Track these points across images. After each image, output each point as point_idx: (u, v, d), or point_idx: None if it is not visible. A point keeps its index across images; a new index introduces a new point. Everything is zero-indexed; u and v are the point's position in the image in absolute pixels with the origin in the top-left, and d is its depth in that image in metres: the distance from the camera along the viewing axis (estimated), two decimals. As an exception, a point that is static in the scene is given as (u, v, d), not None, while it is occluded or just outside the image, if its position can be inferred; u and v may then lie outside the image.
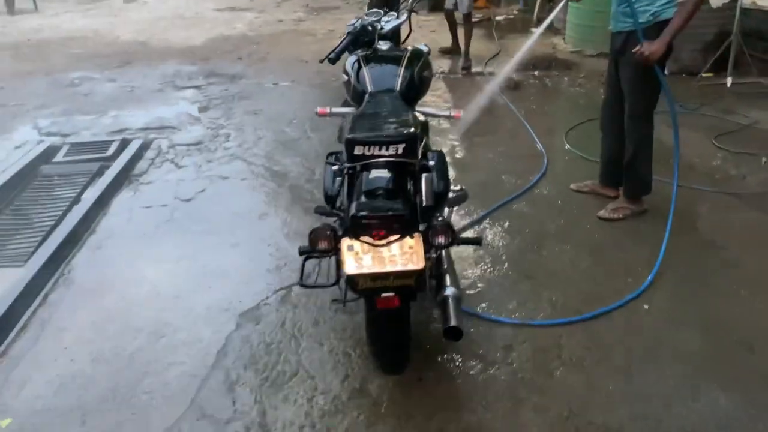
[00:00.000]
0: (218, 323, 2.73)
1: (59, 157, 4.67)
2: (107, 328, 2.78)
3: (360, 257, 1.70)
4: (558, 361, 2.42)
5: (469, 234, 3.34)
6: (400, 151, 1.84)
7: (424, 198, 2.12)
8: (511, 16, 9.47)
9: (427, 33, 8.14)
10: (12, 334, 2.77)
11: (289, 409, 2.25)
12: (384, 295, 1.76)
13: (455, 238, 1.72)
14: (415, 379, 2.33)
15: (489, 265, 3.05)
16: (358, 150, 1.87)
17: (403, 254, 1.71)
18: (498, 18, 9.07)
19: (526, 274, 2.97)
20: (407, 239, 1.68)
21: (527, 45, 5.02)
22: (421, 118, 2.35)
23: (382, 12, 2.93)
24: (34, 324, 2.83)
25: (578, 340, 2.52)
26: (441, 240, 1.68)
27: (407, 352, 2.02)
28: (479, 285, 2.90)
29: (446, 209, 2.66)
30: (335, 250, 1.73)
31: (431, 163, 2.18)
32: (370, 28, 2.76)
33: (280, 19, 9.79)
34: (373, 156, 1.85)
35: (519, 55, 4.85)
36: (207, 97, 5.97)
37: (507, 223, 3.44)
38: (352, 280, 1.76)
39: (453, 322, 1.96)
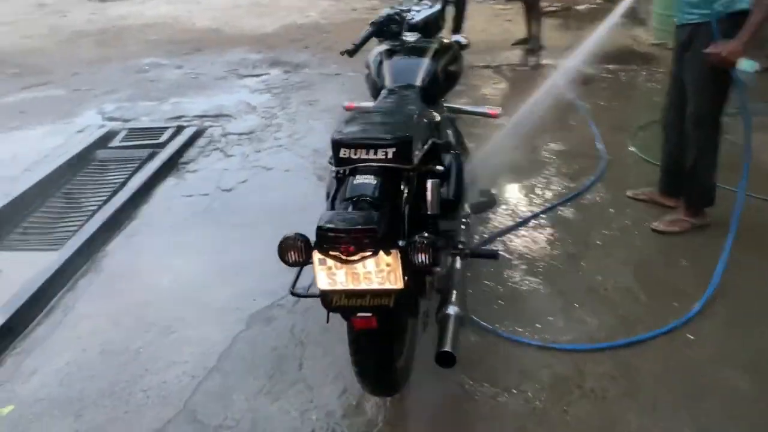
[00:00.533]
0: (229, 322, 2.66)
1: (116, 142, 4.78)
2: (123, 319, 2.77)
3: (333, 272, 1.55)
4: (578, 391, 2.18)
5: (497, 245, 3.09)
6: (389, 156, 1.67)
7: (428, 206, 1.95)
8: (594, 6, 8.92)
9: (501, 22, 7.80)
10: (37, 319, 2.82)
11: (281, 421, 2.14)
12: (360, 314, 1.60)
13: (437, 259, 1.54)
14: (414, 400, 2.16)
15: (519, 277, 2.81)
16: (343, 152, 1.71)
17: (379, 272, 1.54)
18: (579, 8, 8.58)
19: (559, 290, 2.72)
20: (383, 256, 1.51)
21: (597, 35, 4.67)
22: (441, 115, 2.15)
23: (415, 0, 2.73)
24: (58, 310, 2.87)
25: (605, 370, 2.26)
26: (420, 259, 1.50)
27: (393, 375, 1.86)
28: (503, 298, 2.67)
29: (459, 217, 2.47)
30: (306, 263, 1.59)
31: (439, 167, 2.00)
32: (397, 17, 2.58)
33: (354, 8, 9.69)
34: (359, 160, 1.69)
35: (588, 45, 4.51)
36: (267, 86, 5.96)
37: (547, 231, 3.18)
38: (326, 297, 1.61)
39: (447, 347, 1.78)
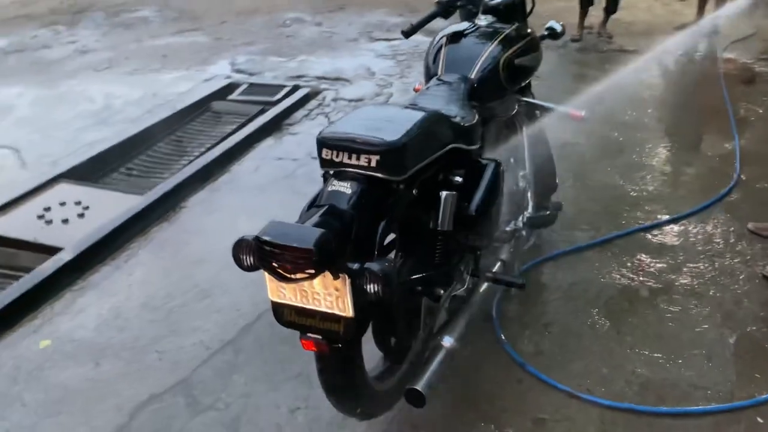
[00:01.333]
0: (263, 296, 2.61)
1: (234, 95, 4.93)
2: (173, 274, 2.84)
3: (282, 285, 1.40)
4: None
5: (550, 269, 2.74)
6: (372, 164, 1.46)
7: (439, 221, 1.72)
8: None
9: (670, 1, 6.93)
10: (106, 260, 2.98)
11: (268, 415, 2.07)
12: (311, 335, 1.45)
13: (390, 291, 1.32)
14: (409, 426, 1.97)
15: (573, 307, 2.47)
16: (325, 153, 1.53)
17: (327, 294, 1.37)
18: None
19: (618, 330, 2.35)
20: (330, 279, 1.33)
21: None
22: (478, 117, 1.88)
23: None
24: (124, 254, 3.02)
25: (635, 437, 1.91)
26: (370, 288, 1.30)
27: (362, 401, 1.67)
28: (548, 329, 2.36)
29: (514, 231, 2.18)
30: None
31: (457, 178, 1.75)
32: (470, -4, 2.29)
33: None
34: (341, 164, 1.50)
35: None
36: (394, 51, 5.81)
37: (626, 258, 2.75)
38: (276, 309, 1.47)
39: (420, 385, 1.57)
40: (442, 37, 2.23)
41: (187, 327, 2.49)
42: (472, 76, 2.05)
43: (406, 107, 1.73)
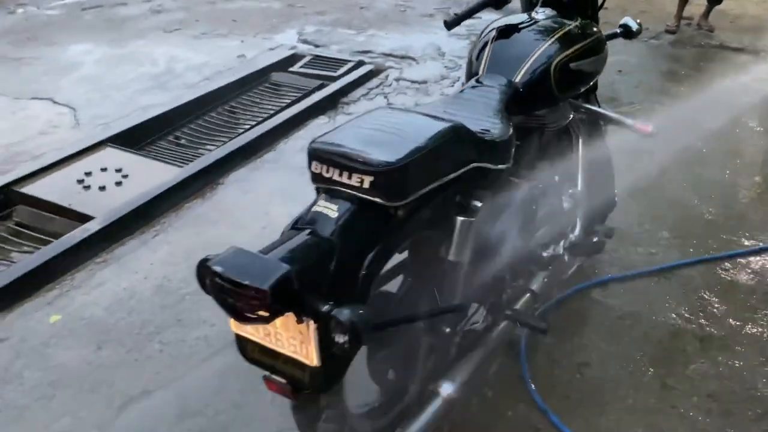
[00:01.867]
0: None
1: (295, 67, 4.76)
2: (195, 256, 2.65)
3: (239, 321, 1.22)
4: None
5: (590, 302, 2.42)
6: (365, 185, 1.24)
7: (452, 251, 1.49)
8: None
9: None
10: (134, 234, 2.91)
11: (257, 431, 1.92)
12: (275, 377, 1.26)
13: (359, 344, 1.11)
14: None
15: (614, 346, 2.18)
16: (315, 166, 1.32)
17: (290, 337, 1.17)
18: None
19: (663, 382, 2.04)
20: (292, 321, 1.13)
21: None
22: (511, 129, 1.61)
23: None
24: (152, 229, 2.94)
25: None
26: (338, 339, 1.09)
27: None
28: (581, 370, 2.08)
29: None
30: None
31: (476, 202, 1.50)
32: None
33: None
34: (330, 180, 1.29)
35: None
36: (469, 31, 5.45)
37: (687, 293, 2.41)
38: (239, 343, 1.29)
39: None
40: (490, 31, 1.95)
41: (195, 318, 2.37)
42: (517, 80, 1.78)
43: (426, 114, 1.48)
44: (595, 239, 2.08)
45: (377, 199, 1.26)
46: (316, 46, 5.19)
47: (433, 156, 1.32)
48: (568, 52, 1.84)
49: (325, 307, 1.11)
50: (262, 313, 1.08)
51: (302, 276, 1.12)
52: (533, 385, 2.01)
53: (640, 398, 1.98)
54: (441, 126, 1.39)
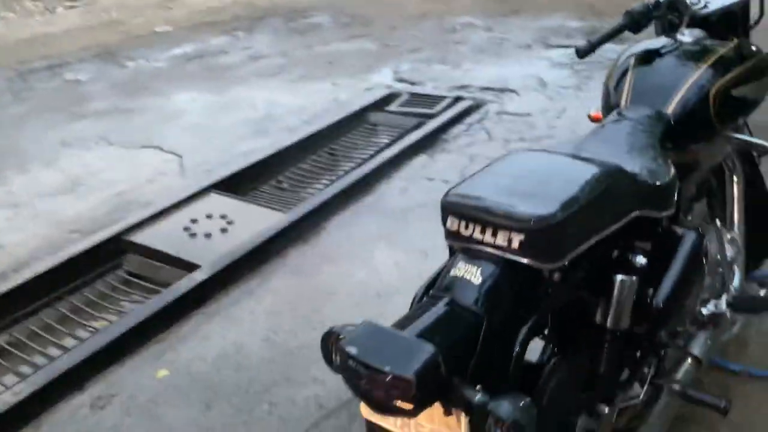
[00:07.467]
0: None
1: (393, 106, 4.68)
2: (301, 306, 2.64)
3: (376, 408, 1.05)
4: None
5: None
6: (514, 244, 1.05)
7: (610, 316, 1.26)
8: None
9: None
10: (238, 283, 2.85)
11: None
12: (412, 470, 1.08)
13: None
14: None
15: None
16: (451, 223, 1.15)
17: (434, 431, 0.99)
18: None
19: None
20: (438, 413, 0.94)
21: None
22: (673, 172, 1.38)
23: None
24: (258, 277, 2.87)
25: None
26: (496, 437, 0.89)
27: None
28: None
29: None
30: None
31: (641, 259, 1.27)
32: (676, 4, 1.74)
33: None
34: (470, 239, 1.10)
35: None
36: (572, 60, 5.19)
37: None
38: (371, 429, 1.11)
39: None
40: (629, 57, 1.73)
41: (305, 375, 2.24)
42: (669, 111, 1.54)
43: (572, 156, 1.28)
44: (763, 290, 1.77)
45: (529, 261, 1.06)
46: (412, 83, 5.10)
47: (593, 206, 1.12)
48: (728, 76, 1.59)
49: (480, 398, 0.92)
50: (405, 405, 0.90)
51: (448, 357, 0.93)
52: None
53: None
54: (596, 170, 1.18)
